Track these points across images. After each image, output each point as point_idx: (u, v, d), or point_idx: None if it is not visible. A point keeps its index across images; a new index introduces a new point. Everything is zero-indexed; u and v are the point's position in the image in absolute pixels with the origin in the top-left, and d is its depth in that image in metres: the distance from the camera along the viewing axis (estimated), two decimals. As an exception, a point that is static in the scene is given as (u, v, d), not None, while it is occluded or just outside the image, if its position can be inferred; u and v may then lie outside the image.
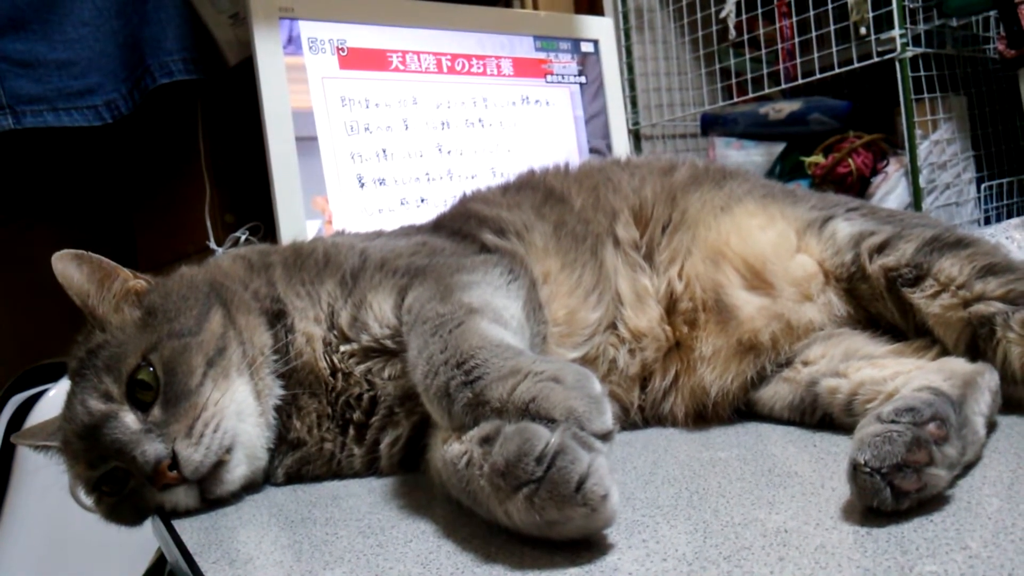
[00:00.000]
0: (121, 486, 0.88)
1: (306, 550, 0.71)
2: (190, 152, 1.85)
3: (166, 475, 0.83)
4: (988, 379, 0.80)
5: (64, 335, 0.98)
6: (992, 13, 2.23)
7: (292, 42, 1.62)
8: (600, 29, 2.11)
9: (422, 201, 1.73)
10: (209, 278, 0.98)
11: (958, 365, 0.82)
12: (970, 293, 0.87)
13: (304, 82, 1.62)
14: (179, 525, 0.84)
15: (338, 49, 1.67)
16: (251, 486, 0.92)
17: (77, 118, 1.70)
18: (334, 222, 1.61)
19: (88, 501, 0.94)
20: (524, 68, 1.95)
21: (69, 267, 0.93)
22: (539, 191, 1.14)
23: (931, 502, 0.62)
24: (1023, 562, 0.50)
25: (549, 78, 1.99)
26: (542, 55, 1.99)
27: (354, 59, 1.70)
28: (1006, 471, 0.68)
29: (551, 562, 0.59)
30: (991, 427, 0.78)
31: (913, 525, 0.58)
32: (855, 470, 0.61)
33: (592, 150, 2.02)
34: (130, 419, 0.86)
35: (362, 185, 1.66)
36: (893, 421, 0.64)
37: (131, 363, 0.87)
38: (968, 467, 0.69)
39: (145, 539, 0.94)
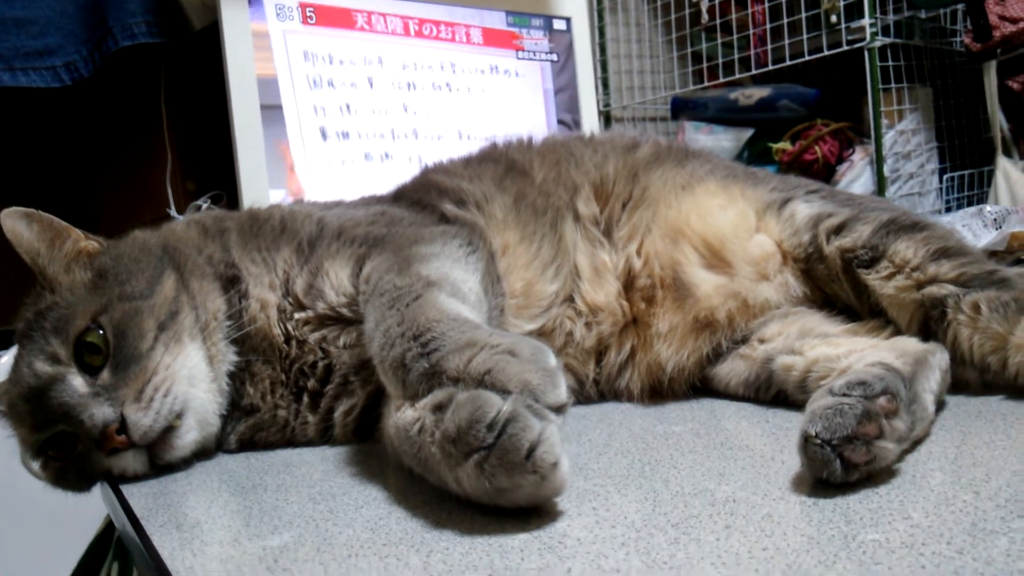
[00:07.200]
0: (68, 450, 0.86)
1: (255, 515, 0.70)
2: (152, 118, 1.81)
3: (114, 439, 0.82)
4: (939, 358, 0.81)
5: (16, 303, 0.96)
6: (960, 6, 2.25)
7: (257, 8, 1.59)
8: (573, 7, 2.09)
9: (386, 156, 1.72)
10: (162, 242, 0.96)
11: (910, 344, 0.83)
12: (923, 275, 0.88)
13: (269, 49, 1.59)
14: (127, 490, 0.82)
15: (306, 17, 1.65)
16: (203, 452, 0.91)
17: (35, 79, 1.66)
18: (296, 171, 1.59)
19: (35, 466, 0.92)
20: (494, 38, 1.94)
21: (18, 224, 0.91)
22: (501, 164, 1.13)
23: (878, 475, 0.62)
24: (961, 530, 0.51)
25: (520, 54, 1.98)
26: (514, 30, 1.97)
27: (318, 16, 1.67)
28: (951, 447, 0.69)
29: (501, 528, 0.59)
30: (940, 405, 0.79)
31: (859, 496, 0.59)
32: (806, 442, 0.61)
33: (560, 122, 2.01)
34: (78, 382, 0.84)
35: (325, 138, 1.64)
36: (845, 394, 0.65)
37: (80, 325, 0.85)
38: (916, 443, 0.70)
39: (95, 506, 0.93)
